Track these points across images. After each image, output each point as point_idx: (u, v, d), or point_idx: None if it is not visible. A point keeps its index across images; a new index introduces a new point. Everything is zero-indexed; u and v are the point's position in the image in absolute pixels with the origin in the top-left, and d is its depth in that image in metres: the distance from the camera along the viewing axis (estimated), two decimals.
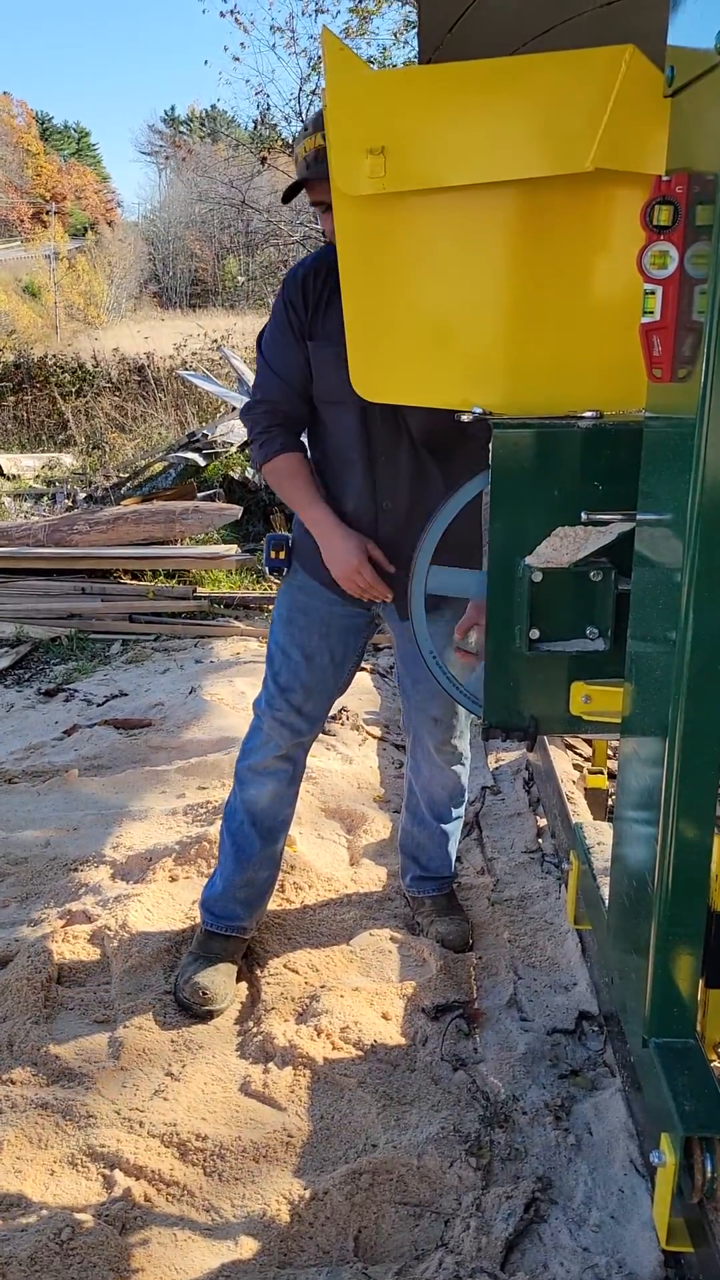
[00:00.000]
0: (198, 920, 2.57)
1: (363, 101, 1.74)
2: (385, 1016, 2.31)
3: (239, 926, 2.48)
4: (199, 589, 5.65)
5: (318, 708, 2.47)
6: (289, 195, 2.31)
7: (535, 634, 2.00)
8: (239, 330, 15.13)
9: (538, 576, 1.95)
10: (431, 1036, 2.30)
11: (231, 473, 7.23)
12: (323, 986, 2.37)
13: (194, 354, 13.47)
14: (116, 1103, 2.04)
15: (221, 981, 2.38)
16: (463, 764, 2.64)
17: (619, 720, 2.06)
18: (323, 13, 15.67)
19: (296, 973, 2.43)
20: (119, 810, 3.18)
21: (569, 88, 1.72)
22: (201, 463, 7.51)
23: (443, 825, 2.68)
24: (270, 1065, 2.16)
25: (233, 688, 4.21)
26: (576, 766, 3.28)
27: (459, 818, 2.71)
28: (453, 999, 2.43)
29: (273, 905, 2.73)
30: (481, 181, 1.80)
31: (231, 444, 7.74)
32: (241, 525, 6.38)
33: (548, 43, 2.17)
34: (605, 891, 2.07)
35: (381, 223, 1.90)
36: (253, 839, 2.46)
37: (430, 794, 2.63)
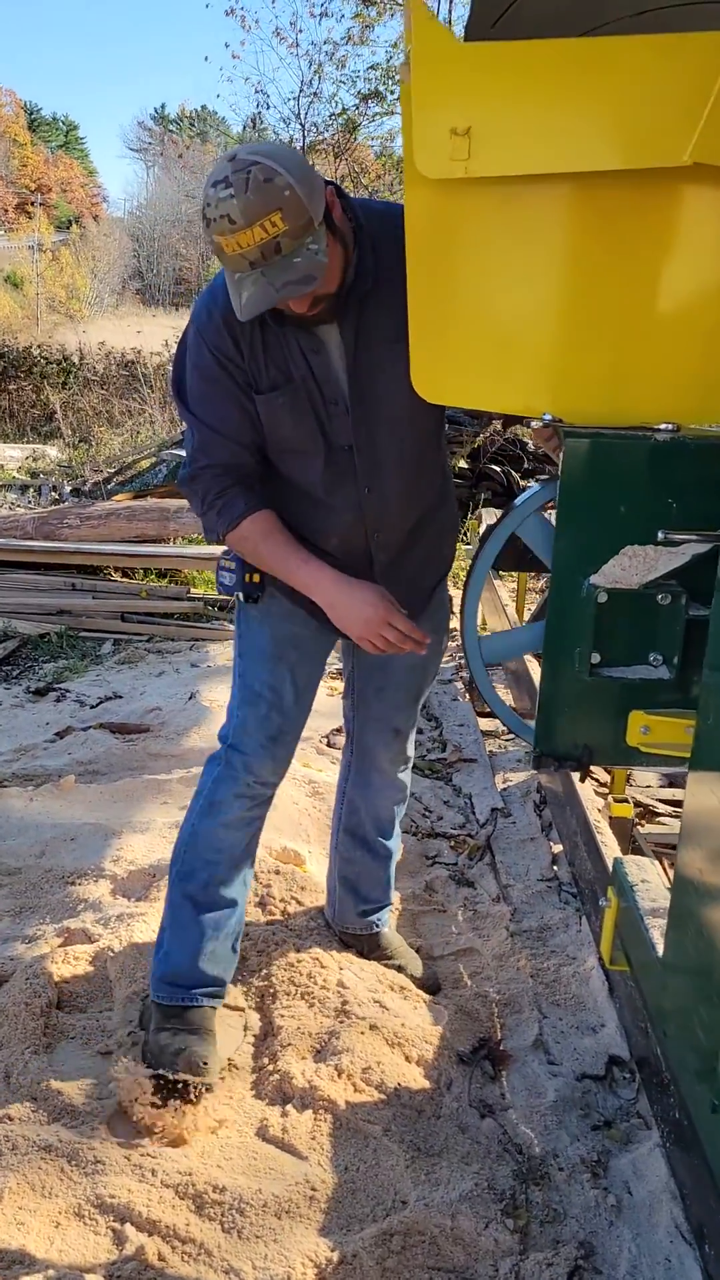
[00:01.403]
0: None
1: (451, 75, 1.60)
2: (408, 1058, 2.17)
3: (219, 988, 2.20)
4: (192, 590, 5.49)
5: (298, 741, 2.28)
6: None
7: (596, 658, 1.88)
8: None
9: (603, 597, 1.82)
10: (456, 1080, 2.16)
11: None
12: (340, 1021, 2.23)
13: None
14: (125, 1147, 1.88)
15: (213, 1051, 2.10)
16: (409, 778, 2.50)
17: (679, 753, 1.95)
18: (326, 16, 15.61)
19: (311, 1005, 2.29)
20: (118, 821, 3.02)
21: (664, 74, 1.59)
22: None
23: (387, 844, 2.51)
24: (289, 1108, 2.01)
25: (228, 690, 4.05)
26: (598, 793, 3.15)
27: (399, 835, 2.55)
28: (477, 1039, 2.29)
29: (279, 926, 2.59)
30: (570, 171, 1.67)
31: None
32: None
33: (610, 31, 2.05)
34: (655, 934, 1.95)
35: (457, 210, 1.77)
36: (220, 900, 2.17)
37: (378, 812, 2.46)
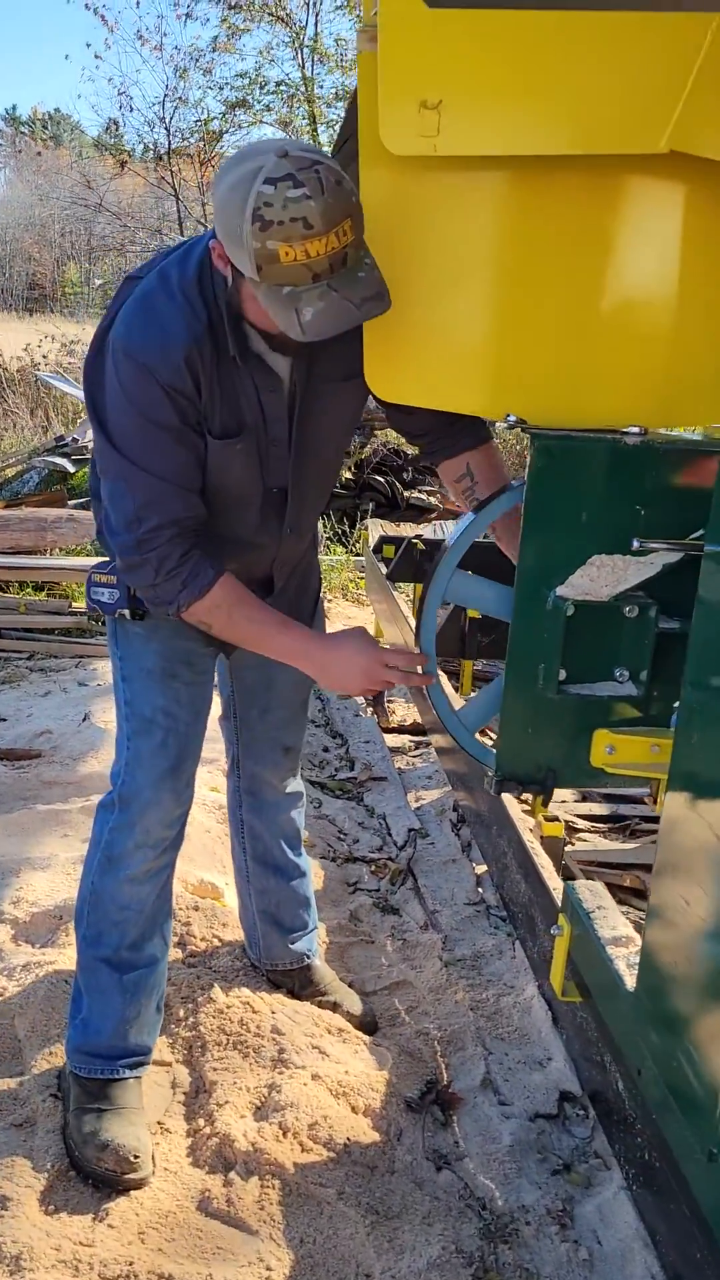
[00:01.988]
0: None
1: (423, 43, 1.46)
2: (354, 1109, 2.01)
3: (144, 1056, 1.99)
4: (73, 604, 5.20)
5: (198, 766, 2.04)
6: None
7: (563, 674, 1.76)
8: (86, 338, 14.55)
9: (571, 610, 1.71)
10: (406, 1129, 2.01)
11: None
12: (279, 1072, 2.05)
13: (45, 357, 12.86)
14: (53, 1234, 1.67)
15: (145, 1136, 1.87)
16: (301, 782, 2.35)
17: (644, 773, 1.86)
18: (192, 18, 15.36)
19: (245, 1055, 2.10)
20: (14, 858, 2.77)
21: (643, 54, 1.49)
22: (70, 469, 7.02)
23: (298, 861, 2.34)
24: (233, 1175, 1.82)
25: None
26: (525, 812, 3.05)
27: (304, 854, 2.39)
28: (424, 1082, 2.15)
29: (203, 968, 2.39)
30: (539, 154, 1.56)
31: None
32: None
33: None
34: (621, 965, 1.84)
35: (417, 194, 1.64)
36: (137, 960, 1.96)
37: (282, 829, 2.31)
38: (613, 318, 1.72)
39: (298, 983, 2.34)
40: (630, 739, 1.81)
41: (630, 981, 1.80)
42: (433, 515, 7.56)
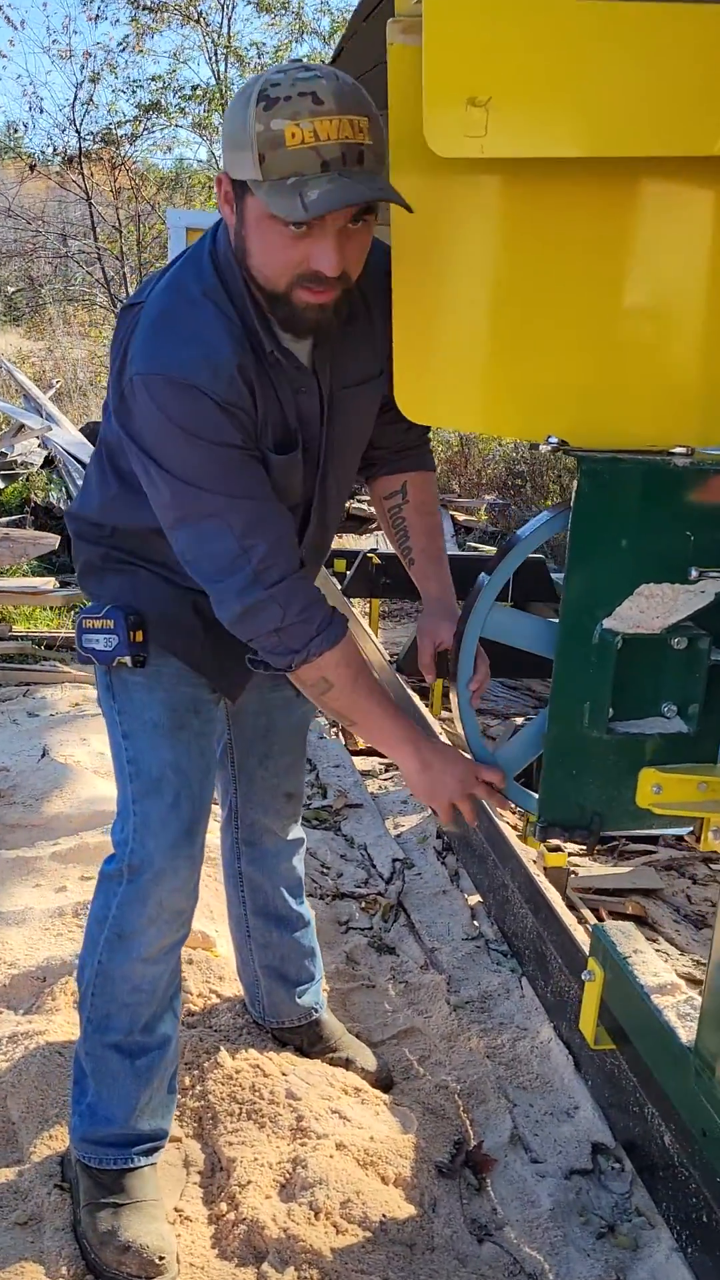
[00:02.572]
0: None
1: (472, 33, 1.34)
2: (384, 1179, 1.87)
3: (160, 1140, 1.83)
4: (14, 628, 4.97)
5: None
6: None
7: (611, 713, 1.65)
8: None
9: (620, 643, 1.60)
10: (441, 1198, 1.88)
11: (34, 496, 6.52)
12: (301, 1144, 1.90)
13: None
14: None
15: (168, 1233, 1.72)
16: (303, 837, 2.21)
17: (691, 812, 1.75)
18: (103, 19, 15.04)
19: (261, 1126, 1.95)
20: None
21: (703, 49, 1.39)
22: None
23: (302, 910, 2.19)
24: (266, 1268, 1.67)
25: (89, 748, 3.61)
26: (521, 838, 2.94)
27: (305, 901, 2.24)
28: (452, 1143, 2.02)
29: (204, 1028, 2.23)
30: (591, 155, 1.45)
31: (32, 464, 7.01)
32: (56, 555, 5.72)
33: None
34: (671, 1016, 1.74)
35: (452, 201, 1.51)
36: (150, 1043, 1.79)
37: (284, 879, 2.16)
38: (654, 332, 1.62)
39: (306, 1039, 2.19)
40: (678, 777, 1.71)
41: (685, 1034, 1.70)
42: (373, 525, 7.44)
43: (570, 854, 3.15)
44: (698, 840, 1.89)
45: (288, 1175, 1.84)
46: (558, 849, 2.67)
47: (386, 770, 3.92)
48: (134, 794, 1.75)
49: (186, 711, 1.76)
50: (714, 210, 1.55)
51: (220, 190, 1.44)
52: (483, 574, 1.67)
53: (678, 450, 1.59)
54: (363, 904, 2.91)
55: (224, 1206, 1.79)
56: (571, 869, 2.78)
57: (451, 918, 2.86)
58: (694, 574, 1.56)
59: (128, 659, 1.68)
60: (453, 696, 1.74)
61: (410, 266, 1.53)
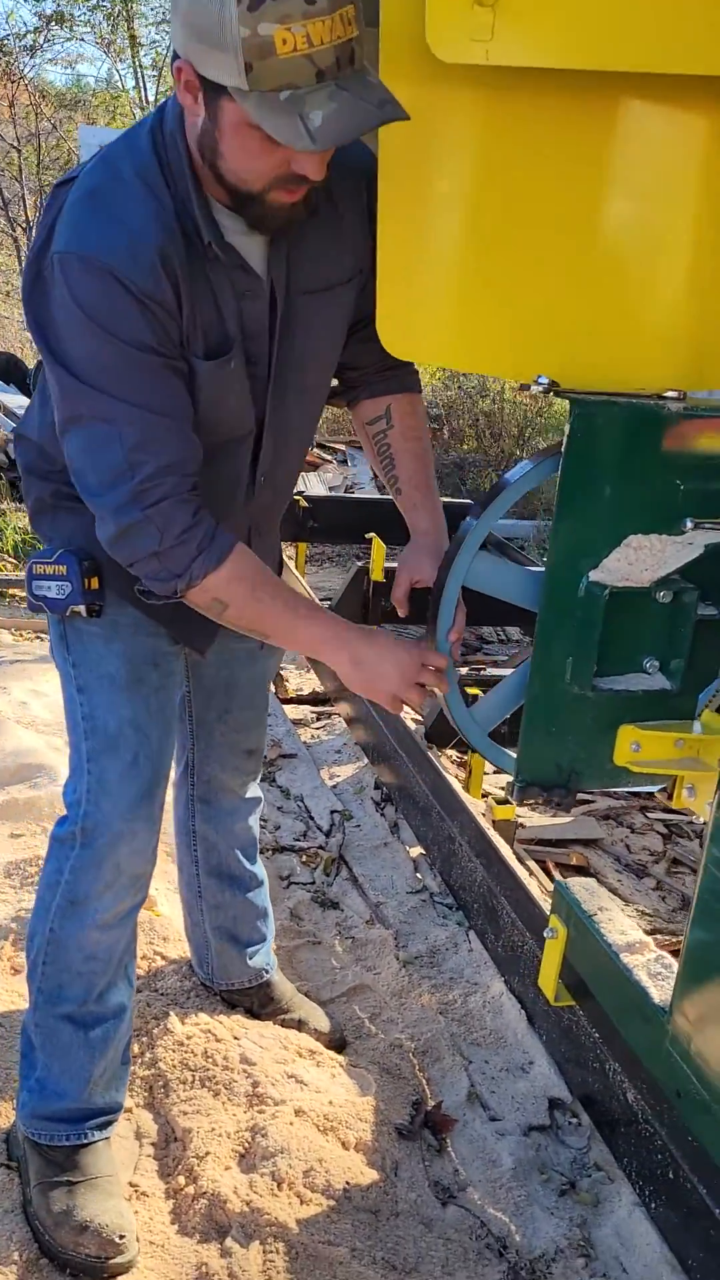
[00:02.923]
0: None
1: None
2: (345, 1144, 1.82)
3: (114, 1113, 1.74)
4: None
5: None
6: None
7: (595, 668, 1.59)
8: None
9: (608, 597, 1.53)
10: (402, 1160, 1.84)
11: None
12: (259, 1111, 1.84)
13: None
14: None
15: (126, 1210, 1.64)
16: (260, 795, 2.12)
17: (668, 770, 1.71)
18: None
19: (216, 1094, 1.88)
20: None
21: None
22: None
23: (255, 869, 2.12)
24: (230, 1242, 1.60)
25: (9, 697, 3.45)
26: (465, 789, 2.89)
27: (259, 860, 2.15)
28: (410, 1103, 1.97)
29: (150, 992, 2.14)
30: (601, 69, 1.34)
31: None
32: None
33: None
34: (641, 976, 1.70)
35: (448, 116, 1.39)
36: (105, 1012, 1.69)
37: (239, 838, 2.08)
38: (648, 271, 1.54)
39: (257, 1001, 2.12)
40: (656, 734, 1.66)
41: (658, 994, 1.67)
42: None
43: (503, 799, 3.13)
44: (669, 798, 1.86)
45: (247, 1145, 1.77)
46: (505, 801, 2.63)
47: (318, 719, 3.84)
48: (89, 752, 1.62)
49: (145, 664, 1.64)
50: (712, 140, 1.47)
51: (180, 79, 1.28)
52: (467, 518, 1.58)
53: (670, 394, 1.52)
54: (303, 858, 2.84)
55: (182, 1180, 1.72)
56: (519, 821, 2.74)
57: (394, 870, 2.81)
58: (689, 525, 1.50)
59: (82, 608, 1.56)
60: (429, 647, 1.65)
61: (398, 188, 1.42)
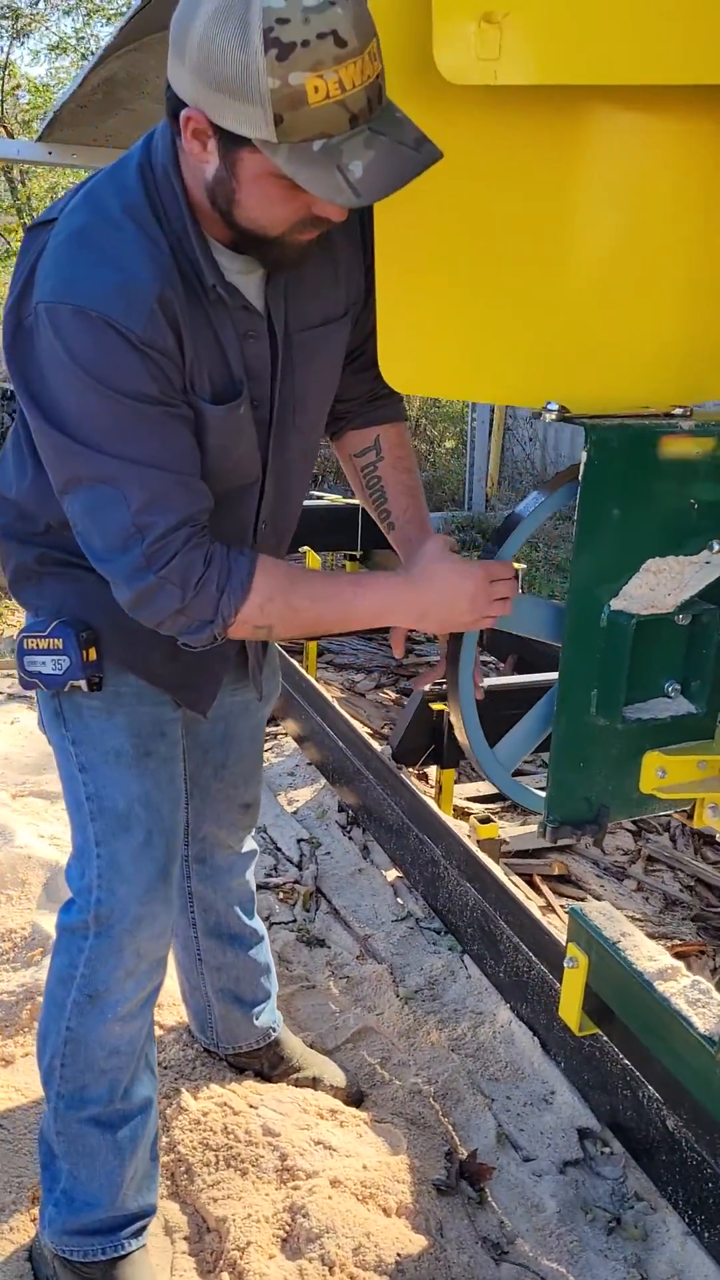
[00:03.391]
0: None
1: None
2: (386, 1210, 1.74)
3: (149, 1216, 1.63)
4: None
5: None
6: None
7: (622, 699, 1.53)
8: None
9: (635, 626, 1.47)
10: (446, 1220, 1.77)
11: None
12: (293, 1187, 1.74)
13: None
14: None
15: None
16: (256, 848, 2.01)
17: (691, 793, 1.67)
18: None
19: (244, 1173, 1.77)
20: None
21: None
22: None
23: (254, 924, 2.00)
24: None
25: None
26: (462, 813, 2.82)
27: (256, 914, 2.04)
28: (442, 1155, 1.90)
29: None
30: (626, 83, 1.27)
31: None
32: None
33: None
34: (681, 1004, 1.66)
35: (455, 134, 1.30)
36: (131, 1109, 1.58)
37: (239, 896, 1.96)
38: (649, 283, 1.48)
39: (267, 1062, 2.02)
40: (680, 759, 1.61)
41: (703, 1025, 1.63)
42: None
43: (475, 813, 3.08)
44: (690, 818, 1.82)
45: (288, 1227, 1.68)
46: (488, 820, 2.58)
47: (265, 742, 3.72)
48: (98, 834, 1.50)
49: (152, 736, 1.52)
50: (715, 153, 1.42)
51: (188, 128, 1.16)
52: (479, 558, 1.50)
53: (678, 411, 1.47)
54: (279, 894, 2.74)
55: (226, 1277, 1.61)
56: (504, 839, 2.69)
57: (374, 898, 2.73)
58: (716, 547, 1.45)
59: (82, 683, 1.43)
60: (450, 690, 1.57)
61: (395, 217, 1.32)
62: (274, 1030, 2.03)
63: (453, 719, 1.58)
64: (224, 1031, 2.01)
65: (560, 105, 1.30)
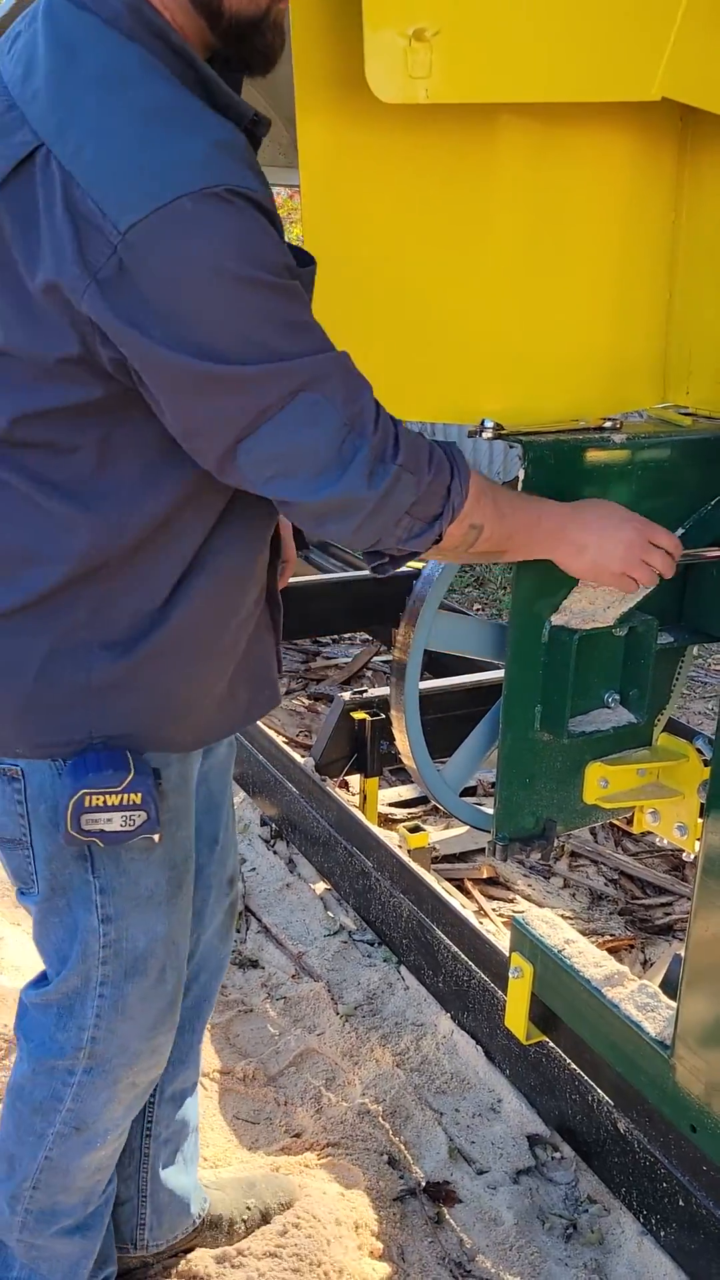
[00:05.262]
0: None
1: None
2: (365, 1250, 1.71)
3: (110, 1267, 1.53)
4: None
5: None
6: None
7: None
8: None
9: (578, 641, 1.48)
10: (406, 1244, 1.75)
11: None
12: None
13: None
14: None
15: None
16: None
17: (631, 801, 1.69)
18: None
19: None
20: None
21: None
22: None
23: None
24: None
25: None
26: (386, 820, 2.80)
27: None
28: (397, 1178, 1.89)
29: None
30: (553, 100, 1.27)
31: None
32: None
33: None
34: (630, 1009, 1.67)
35: (380, 151, 1.28)
36: (104, 1202, 1.46)
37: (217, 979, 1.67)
38: (570, 295, 1.48)
39: (209, 1237, 1.70)
40: (622, 768, 1.63)
41: (654, 1029, 1.64)
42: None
43: (399, 819, 3.07)
44: (629, 823, 1.84)
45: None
46: (418, 829, 2.57)
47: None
48: (103, 978, 1.30)
49: (185, 863, 1.34)
50: (625, 163, 1.42)
51: None
52: (418, 583, 1.49)
53: (608, 424, 1.48)
54: None
55: None
56: (433, 847, 2.69)
57: (304, 913, 2.70)
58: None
59: (156, 835, 1.22)
60: (396, 714, 1.56)
61: (322, 234, 1.30)
62: (207, 1199, 1.71)
63: (398, 742, 1.56)
64: (158, 1225, 1.63)
65: (481, 122, 1.29)
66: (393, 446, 1.10)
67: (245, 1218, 1.72)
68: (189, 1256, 1.67)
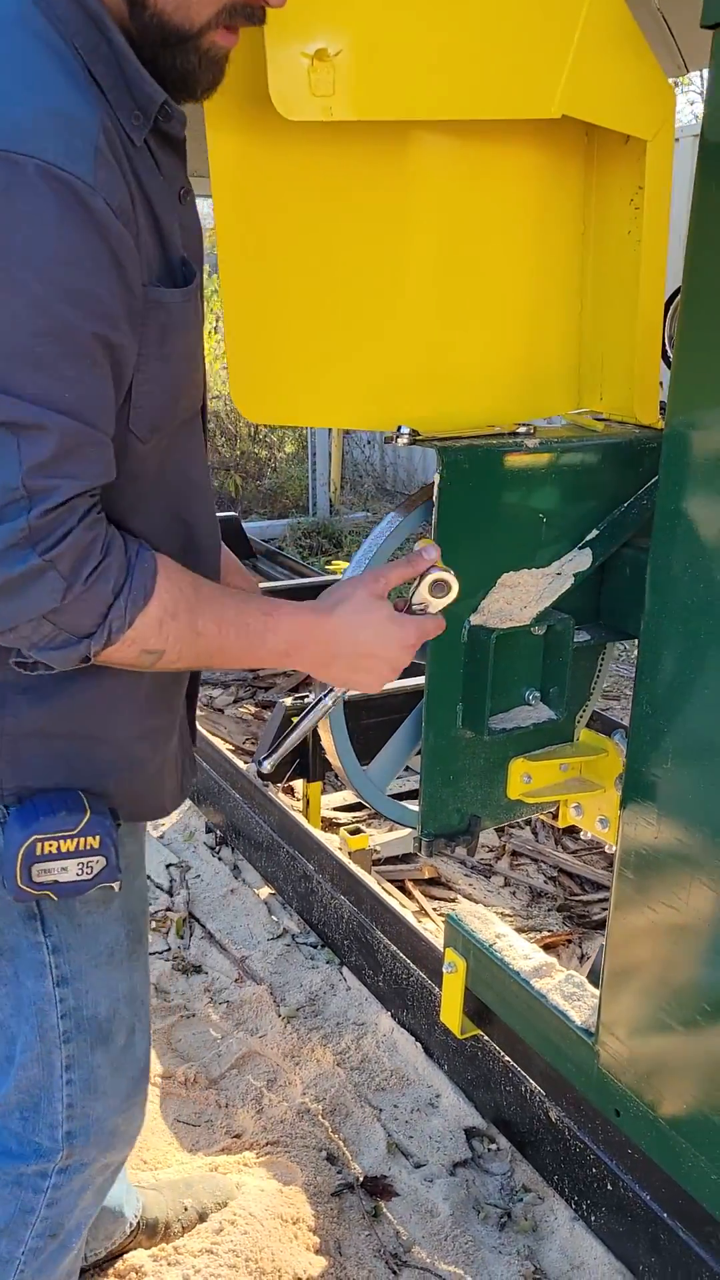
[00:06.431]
0: None
1: None
2: (304, 1245, 1.74)
3: None
4: None
5: None
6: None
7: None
8: None
9: (496, 640, 1.52)
10: (343, 1238, 1.78)
11: None
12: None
13: None
14: None
15: None
16: None
17: (555, 795, 1.73)
18: None
19: None
20: None
21: (539, 11, 1.29)
22: None
23: None
24: None
25: None
26: (330, 824, 2.82)
27: None
28: (334, 1173, 1.91)
29: None
30: (455, 117, 1.31)
31: None
32: None
33: None
34: (557, 1000, 1.71)
35: (275, 168, 1.31)
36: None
37: None
38: (484, 303, 1.52)
39: (144, 1235, 1.69)
40: (544, 764, 1.67)
41: (579, 1017, 1.69)
42: None
43: (343, 822, 3.10)
44: (555, 818, 1.88)
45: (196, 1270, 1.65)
46: (358, 831, 2.60)
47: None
48: (69, 1058, 1.21)
49: (142, 912, 1.28)
50: (533, 175, 1.47)
51: None
52: (342, 579, 1.52)
53: (522, 430, 1.52)
54: (152, 924, 2.69)
55: None
56: (374, 849, 2.72)
57: (248, 918, 2.72)
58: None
59: (116, 884, 1.12)
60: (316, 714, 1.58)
61: (236, 248, 1.33)
62: (139, 1202, 1.70)
63: (324, 742, 1.59)
64: (96, 1235, 1.62)
65: (393, 137, 1.33)
66: (54, 541, 0.92)
67: (181, 1218, 1.74)
68: (125, 1257, 1.68)
